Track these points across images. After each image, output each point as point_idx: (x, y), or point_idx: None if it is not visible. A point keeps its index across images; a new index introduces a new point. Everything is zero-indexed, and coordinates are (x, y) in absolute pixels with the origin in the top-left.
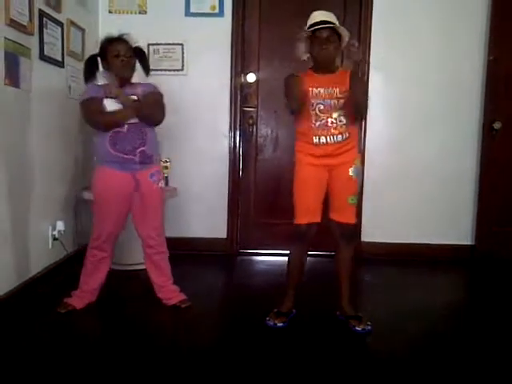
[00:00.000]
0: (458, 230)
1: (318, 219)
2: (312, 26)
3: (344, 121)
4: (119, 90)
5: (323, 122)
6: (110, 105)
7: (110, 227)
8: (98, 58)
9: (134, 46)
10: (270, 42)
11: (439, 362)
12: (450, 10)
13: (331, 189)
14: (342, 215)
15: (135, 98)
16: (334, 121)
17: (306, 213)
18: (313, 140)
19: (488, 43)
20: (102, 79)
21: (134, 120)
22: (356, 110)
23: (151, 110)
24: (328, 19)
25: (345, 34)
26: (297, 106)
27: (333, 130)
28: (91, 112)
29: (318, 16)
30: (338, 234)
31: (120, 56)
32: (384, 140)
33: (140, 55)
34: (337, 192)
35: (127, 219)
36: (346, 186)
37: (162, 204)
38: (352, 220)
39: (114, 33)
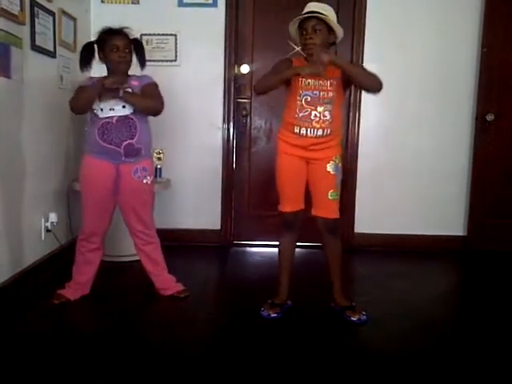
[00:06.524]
0: (451, 222)
1: (301, 206)
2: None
3: (328, 117)
4: (115, 79)
5: (306, 113)
6: (105, 106)
7: (96, 220)
8: (95, 46)
9: (132, 38)
10: (264, 33)
11: (431, 352)
12: (444, 1)
13: (311, 184)
14: (324, 210)
15: (130, 90)
16: (318, 114)
17: (290, 201)
18: (294, 129)
19: (481, 35)
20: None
21: (125, 112)
22: (361, 84)
23: (147, 102)
24: (320, 10)
25: (335, 26)
26: (265, 89)
27: (314, 124)
28: (75, 96)
29: (310, 7)
30: (323, 229)
31: (118, 51)
32: (377, 132)
33: (137, 48)
34: (316, 187)
35: (114, 213)
36: (325, 181)
37: (150, 199)
38: (334, 215)
39: (109, 23)
